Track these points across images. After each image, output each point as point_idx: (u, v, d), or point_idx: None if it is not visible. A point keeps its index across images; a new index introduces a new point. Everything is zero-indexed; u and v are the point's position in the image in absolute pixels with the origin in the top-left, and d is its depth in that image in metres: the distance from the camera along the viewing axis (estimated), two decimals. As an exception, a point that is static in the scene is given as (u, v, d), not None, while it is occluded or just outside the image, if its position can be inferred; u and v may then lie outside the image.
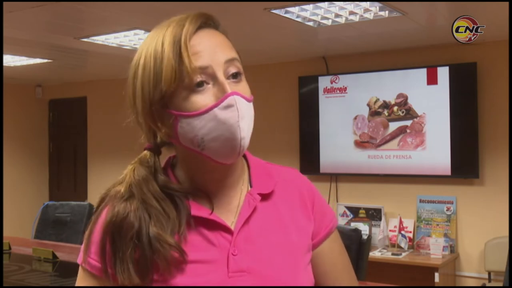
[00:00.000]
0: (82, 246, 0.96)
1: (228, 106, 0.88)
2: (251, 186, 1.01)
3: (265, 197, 1.00)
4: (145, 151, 0.98)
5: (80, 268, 0.98)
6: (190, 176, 0.98)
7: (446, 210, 4.47)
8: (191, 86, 0.89)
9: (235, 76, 0.92)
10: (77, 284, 0.98)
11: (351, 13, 3.43)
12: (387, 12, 3.39)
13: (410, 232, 4.55)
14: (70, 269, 2.71)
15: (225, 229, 0.95)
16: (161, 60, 0.89)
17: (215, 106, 0.88)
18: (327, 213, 1.08)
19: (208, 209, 0.95)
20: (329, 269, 1.06)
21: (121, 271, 0.89)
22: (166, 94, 0.89)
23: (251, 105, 0.93)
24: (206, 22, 0.94)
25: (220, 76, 0.89)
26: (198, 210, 0.94)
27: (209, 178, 0.97)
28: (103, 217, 0.93)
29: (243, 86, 0.93)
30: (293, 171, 1.10)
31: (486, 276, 4.27)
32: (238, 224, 0.95)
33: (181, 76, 0.88)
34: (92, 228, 0.95)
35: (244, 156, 1.04)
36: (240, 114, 0.88)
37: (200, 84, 0.89)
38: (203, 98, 0.89)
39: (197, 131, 0.89)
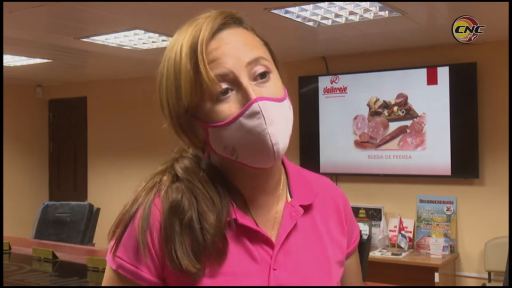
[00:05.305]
0: (121, 248, 0.88)
1: (253, 114, 0.83)
2: (290, 195, 0.96)
3: (305, 208, 0.96)
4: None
5: (114, 273, 0.89)
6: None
7: (446, 210, 4.46)
8: (215, 96, 0.85)
9: (263, 75, 0.87)
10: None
11: (351, 13, 3.42)
12: (387, 12, 3.39)
13: (410, 232, 4.54)
14: (70, 269, 2.71)
15: (268, 242, 0.90)
16: (179, 71, 0.85)
17: (240, 115, 0.84)
18: (355, 229, 1.06)
19: (250, 218, 0.91)
20: (342, 284, 1.04)
21: (182, 255, 0.83)
22: (190, 107, 0.86)
23: (283, 104, 0.88)
24: (225, 22, 0.88)
25: (244, 80, 0.85)
26: (243, 218, 0.89)
27: (248, 185, 0.92)
28: (158, 209, 0.87)
29: (272, 86, 0.88)
30: (328, 181, 1.06)
31: (486, 276, 4.26)
32: (280, 238, 0.91)
33: (201, 87, 0.84)
34: (144, 228, 0.86)
35: (282, 161, 0.99)
36: (267, 121, 0.84)
37: (224, 92, 0.85)
38: (227, 107, 0.85)
39: (227, 141, 0.86)
